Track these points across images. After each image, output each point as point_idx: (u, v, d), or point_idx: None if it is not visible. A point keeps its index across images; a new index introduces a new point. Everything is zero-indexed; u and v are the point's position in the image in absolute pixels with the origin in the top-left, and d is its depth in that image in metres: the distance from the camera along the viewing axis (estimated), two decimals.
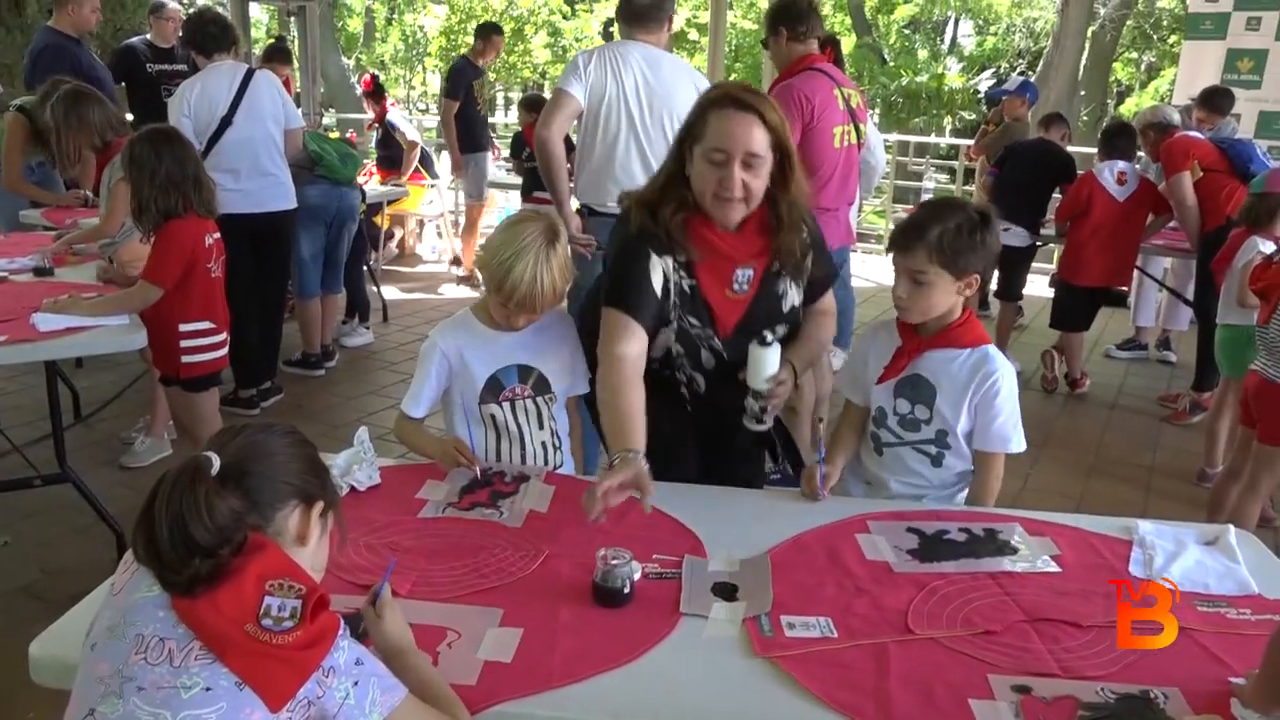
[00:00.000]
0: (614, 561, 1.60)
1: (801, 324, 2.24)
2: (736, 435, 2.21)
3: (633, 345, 2.05)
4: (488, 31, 7.42)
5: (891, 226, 9.68)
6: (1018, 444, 2.09)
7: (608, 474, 1.83)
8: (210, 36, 4.41)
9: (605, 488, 1.78)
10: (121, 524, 3.23)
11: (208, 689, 1.09)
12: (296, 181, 4.72)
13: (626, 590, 1.60)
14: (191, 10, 6.05)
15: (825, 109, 3.62)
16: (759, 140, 1.96)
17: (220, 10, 6.82)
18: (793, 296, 2.19)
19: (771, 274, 2.14)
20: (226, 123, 4.30)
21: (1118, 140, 5.32)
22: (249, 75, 4.40)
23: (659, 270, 2.09)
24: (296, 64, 8.46)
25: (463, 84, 7.24)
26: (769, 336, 2.05)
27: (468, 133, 7.30)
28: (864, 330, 2.27)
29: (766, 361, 2.04)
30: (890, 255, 2.08)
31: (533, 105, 7.22)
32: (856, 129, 3.77)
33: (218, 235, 3.21)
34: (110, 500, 3.37)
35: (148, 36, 6.23)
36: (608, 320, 2.09)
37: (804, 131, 3.58)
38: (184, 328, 3.14)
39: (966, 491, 2.17)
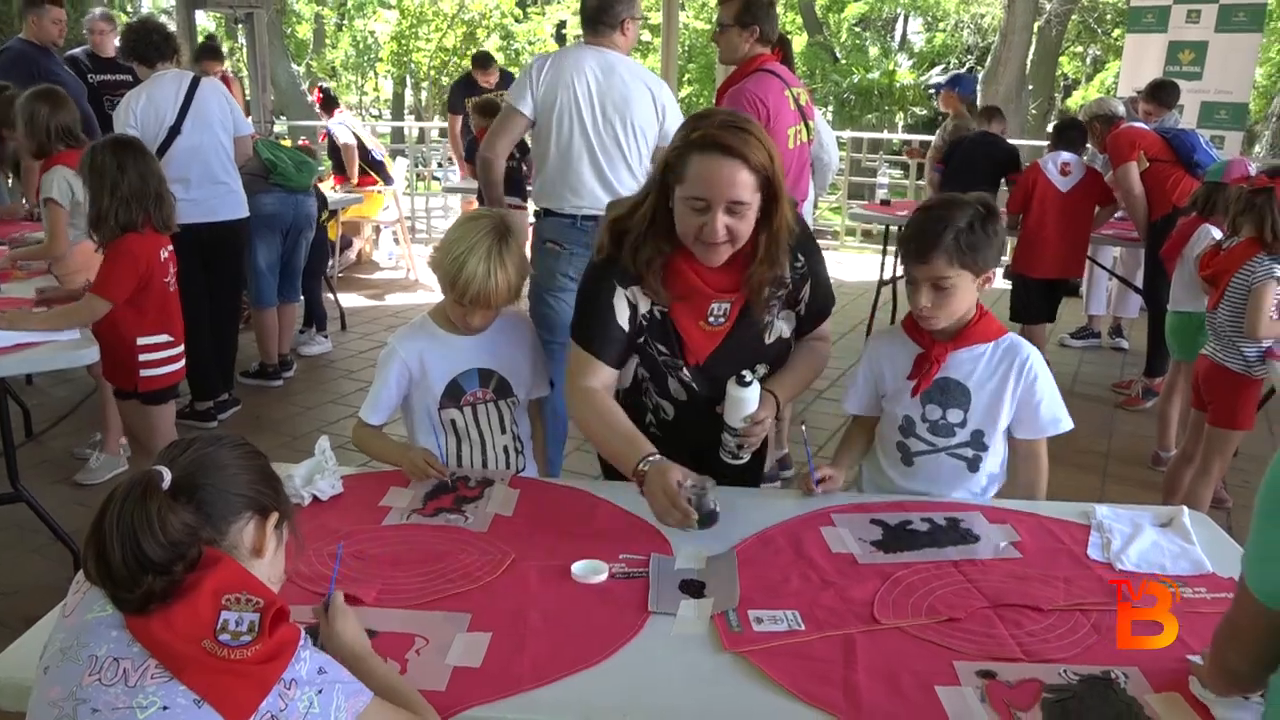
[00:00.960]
0: (702, 487, 1.75)
1: (794, 351, 2.16)
2: (713, 461, 2.11)
3: (599, 379, 2.04)
4: (474, 62, 8.06)
5: (848, 222, 9.80)
6: (1067, 421, 2.06)
7: (656, 479, 1.78)
8: (153, 45, 4.36)
9: (676, 497, 1.74)
10: (78, 542, 3.17)
11: (165, 708, 1.07)
12: (251, 190, 4.67)
13: (719, 509, 1.76)
14: (133, 19, 5.97)
15: (779, 111, 3.64)
16: (744, 186, 1.83)
17: (165, 18, 6.72)
18: (780, 328, 2.11)
19: (749, 310, 2.05)
20: (175, 131, 4.26)
21: (1068, 133, 5.41)
22: (195, 83, 4.35)
23: (624, 301, 2.02)
24: (245, 70, 8.38)
25: (459, 99, 7.88)
26: (748, 376, 1.97)
27: (470, 144, 7.74)
28: (870, 342, 2.21)
29: (745, 402, 1.98)
30: (904, 267, 2.00)
31: (485, 110, 7.19)
32: (806, 126, 3.80)
33: (171, 248, 3.17)
34: (65, 519, 3.31)
35: (89, 47, 6.14)
36: (573, 354, 2.06)
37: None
38: (141, 341, 3.10)
39: (995, 489, 2.13)
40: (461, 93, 7.94)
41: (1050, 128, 5.79)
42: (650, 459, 1.84)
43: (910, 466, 2.11)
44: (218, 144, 4.39)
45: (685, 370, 2.08)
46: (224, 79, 6.17)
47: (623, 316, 2.03)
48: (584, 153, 3.41)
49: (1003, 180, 5.76)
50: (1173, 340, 4.13)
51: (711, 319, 2.04)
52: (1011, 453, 2.12)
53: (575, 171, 3.42)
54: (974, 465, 2.07)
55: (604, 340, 2.02)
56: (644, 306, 2.04)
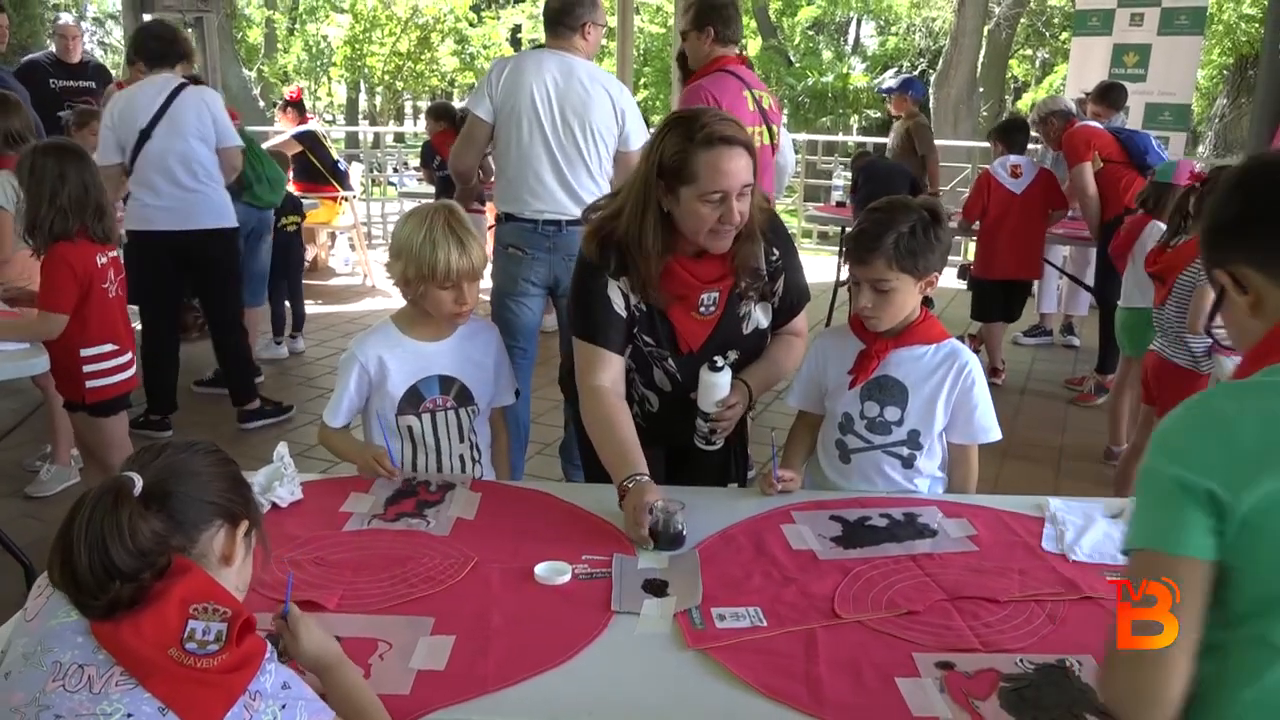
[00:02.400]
0: (670, 509, 1.80)
1: (768, 345, 2.24)
2: (699, 453, 2.17)
3: (608, 373, 2.11)
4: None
5: (804, 224, 9.87)
6: (996, 432, 2.10)
7: (633, 498, 1.87)
8: (149, 51, 4.29)
9: (642, 518, 1.82)
10: (29, 555, 3.11)
11: (129, 715, 1.06)
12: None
13: (685, 532, 1.81)
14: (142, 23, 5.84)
15: (733, 110, 3.66)
16: (748, 170, 1.97)
17: (112, 22, 6.63)
18: (757, 318, 2.19)
19: (736, 295, 2.13)
20: (145, 136, 4.16)
21: (1013, 134, 5.51)
22: (179, 89, 4.23)
23: (617, 291, 2.10)
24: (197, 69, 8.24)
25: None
26: (719, 361, 2.05)
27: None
28: (817, 339, 2.26)
29: (716, 386, 2.04)
30: (848, 267, 2.06)
31: (440, 114, 7.15)
32: (770, 130, 3.82)
33: (113, 254, 3.09)
34: (17, 532, 3.23)
35: (52, 51, 6.05)
36: (580, 351, 2.13)
37: None
38: (86, 353, 3.01)
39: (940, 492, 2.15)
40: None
41: (991, 130, 5.84)
42: (636, 478, 1.91)
43: (847, 464, 2.14)
44: (191, 151, 4.23)
45: (670, 361, 2.15)
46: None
47: (619, 305, 2.10)
48: (544, 156, 3.40)
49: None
50: (1123, 336, 4.21)
51: (702, 309, 2.11)
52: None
53: (536, 175, 3.41)
54: (909, 464, 2.11)
55: (606, 327, 2.10)
56: (634, 298, 2.11)
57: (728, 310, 2.13)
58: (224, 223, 4.40)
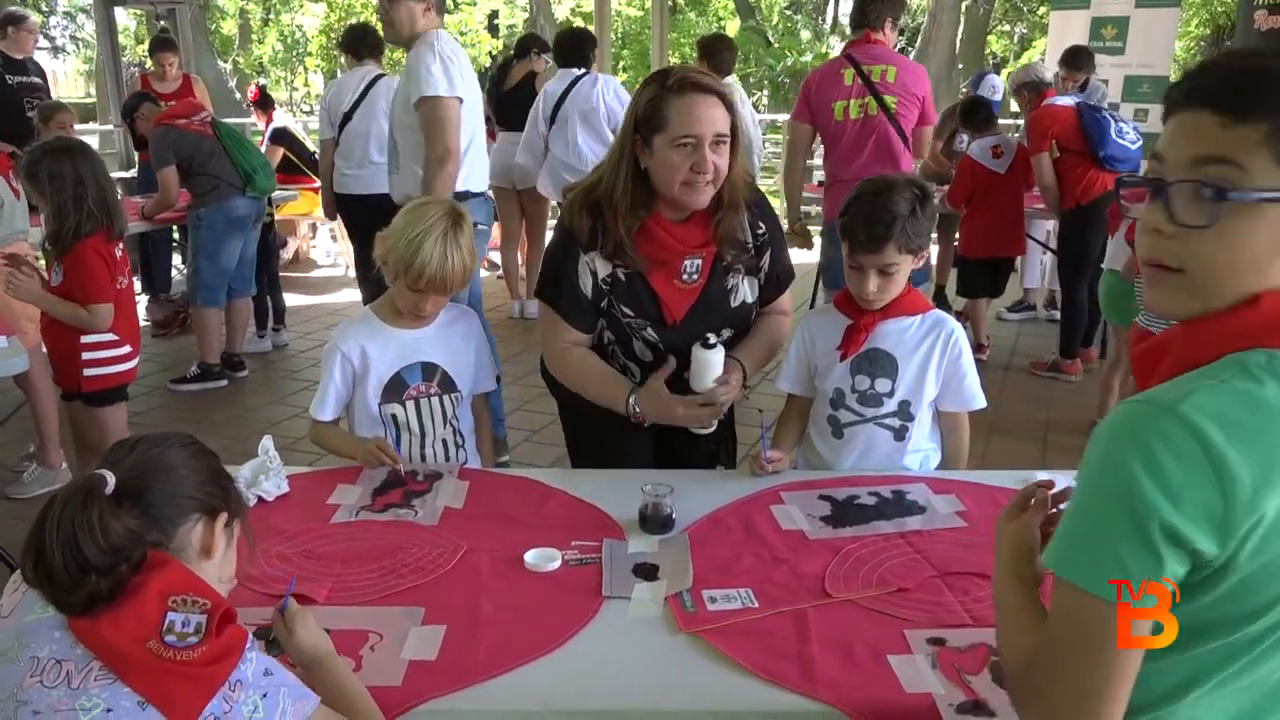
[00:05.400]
0: (659, 494, 1.80)
1: (755, 324, 2.23)
2: (687, 437, 2.14)
3: (572, 336, 2.15)
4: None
5: (784, 205, 9.83)
6: (982, 399, 2.13)
7: (648, 402, 2.03)
8: (365, 45, 5.23)
9: (672, 402, 2.00)
10: (13, 557, 3.09)
11: (108, 710, 1.06)
12: (229, 195, 4.89)
13: (674, 516, 1.80)
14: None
15: (822, 85, 4.19)
16: (723, 120, 1.95)
17: (83, 16, 6.58)
18: (744, 292, 2.17)
19: (721, 266, 2.12)
20: (348, 117, 5.06)
21: (973, 116, 5.50)
22: (376, 79, 5.10)
23: (586, 269, 2.07)
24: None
25: None
26: (712, 339, 2.02)
27: None
28: (799, 323, 2.26)
29: (711, 365, 2.00)
30: (850, 253, 2.02)
31: None
32: (879, 100, 4.05)
33: (123, 248, 3.15)
34: (0, 533, 3.22)
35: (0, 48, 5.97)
36: (545, 315, 2.15)
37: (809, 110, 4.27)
38: (85, 339, 3.05)
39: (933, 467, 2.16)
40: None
41: (958, 111, 5.82)
42: (636, 389, 2.04)
43: (840, 439, 2.15)
44: (381, 131, 4.81)
45: (650, 330, 2.13)
46: (186, 79, 6.21)
47: (586, 284, 2.08)
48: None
49: None
50: (1105, 302, 4.19)
51: (685, 276, 2.09)
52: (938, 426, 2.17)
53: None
54: (900, 435, 2.12)
55: (570, 308, 2.11)
56: (603, 271, 2.08)
57: (712, 281, 2.12)
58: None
